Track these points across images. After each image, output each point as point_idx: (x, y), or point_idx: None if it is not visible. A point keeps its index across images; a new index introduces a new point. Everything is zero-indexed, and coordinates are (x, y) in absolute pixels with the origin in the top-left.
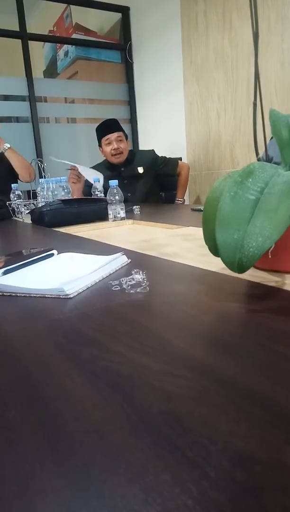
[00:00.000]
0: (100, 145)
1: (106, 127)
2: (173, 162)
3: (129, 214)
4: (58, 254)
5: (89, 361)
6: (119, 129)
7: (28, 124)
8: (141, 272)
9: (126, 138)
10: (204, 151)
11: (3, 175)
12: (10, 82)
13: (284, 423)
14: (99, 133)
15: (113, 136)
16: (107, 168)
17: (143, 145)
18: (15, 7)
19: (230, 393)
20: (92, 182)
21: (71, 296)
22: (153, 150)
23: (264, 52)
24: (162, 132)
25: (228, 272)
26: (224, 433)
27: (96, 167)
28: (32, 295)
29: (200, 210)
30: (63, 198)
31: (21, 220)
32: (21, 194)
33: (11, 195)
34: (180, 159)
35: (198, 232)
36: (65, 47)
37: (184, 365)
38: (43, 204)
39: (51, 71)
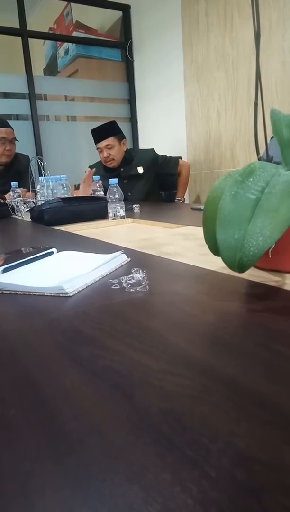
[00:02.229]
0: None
1: (95, 136)
2: (174, 161)
3: (129, 213)
4: (57, 252)
5: (88, 360)
6: (108, 135)
7: (28, 122)
8: (141, 271)
9: (121, 139)
10: (205, 150)
11: (11, 180)
12: (10, 79)
13: (284, 423)
14: (93, 139)
15: (102, 145)
16: (106, 168)
17: (143, 144)
18: (15, 5)
19: (230, 392)
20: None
21: (71, 294)
22: (153, 149)
23: (265, 51)
24: (163, 131)
25: (228, 271)
26: (224, 432)
27: (95, 165)
28: (31, 293)
29: (200, 209)
30: (62, 196)
31: (20, 218)
32: (20, 192)
33: (11, 193)
34: (180, 158)
35: (198, 231)
36: (66, 45)
37: (184, 364)
38: (42, 202)
39: (51, 69)
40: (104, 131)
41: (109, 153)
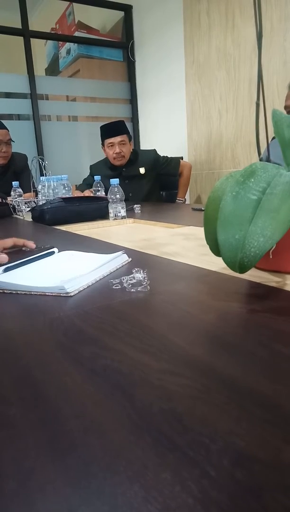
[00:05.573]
0: (103, 145)
1: (110, 130)
2: (175, 162)
3: (130, 213)
4: (58, 252)
5: (89, 359)
6: (123, 132)
7: (30, 121)
8: (141, 271)
9: (130, 140)
10: (206, 150)
11: (9, 181)
12: (11, 79)
13: (284, 422)
14: (103, 134)
15: (116, 140)
16: (109, 167)
17: (144, 144)
18: (17, 4)
19: (230, 392)
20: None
21: (72, 294)
22: (154, 150)
23: (266, 51)
24: (164, 131)
25: (229, 271)
26: (224, 432)
27: (97, 165)
28: (32, 293)
29: (201, 210)
30: (64, 196)
31: (21, 218)
32: (21, 191)
33: (12, 193)
34: (181, 158)
35: (199, 231)
36: (67, 45)
37: (184, 364)
38: (44, 202)
39: (53, 69)
40: (119, 127)
41: (122, 149)
